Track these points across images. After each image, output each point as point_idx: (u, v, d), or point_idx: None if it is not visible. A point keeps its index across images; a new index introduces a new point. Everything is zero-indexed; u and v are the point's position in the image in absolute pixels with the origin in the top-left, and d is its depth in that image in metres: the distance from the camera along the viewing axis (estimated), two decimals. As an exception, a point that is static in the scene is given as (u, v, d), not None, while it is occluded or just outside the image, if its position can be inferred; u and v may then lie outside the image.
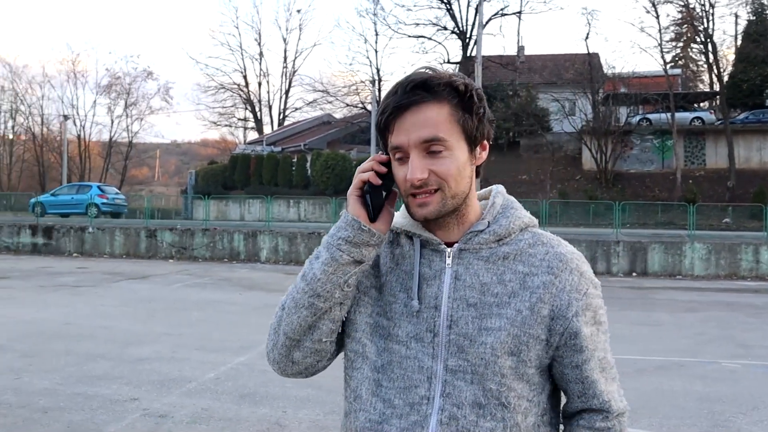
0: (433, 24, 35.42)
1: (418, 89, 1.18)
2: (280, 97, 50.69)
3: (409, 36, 35.75)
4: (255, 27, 59.66)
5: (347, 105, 38.41)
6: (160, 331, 8.79)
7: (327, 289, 1.22)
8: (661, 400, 5.96)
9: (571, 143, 33.95)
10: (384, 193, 1.24)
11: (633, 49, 66.29)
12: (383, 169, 1.23)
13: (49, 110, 51.26)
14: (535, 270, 1.23)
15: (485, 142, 1.27)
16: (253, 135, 49.86)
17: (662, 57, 33.25)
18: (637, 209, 26.74)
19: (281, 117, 50.39)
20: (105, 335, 8.57)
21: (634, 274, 18.08)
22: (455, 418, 1.19)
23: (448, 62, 34.74)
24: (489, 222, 1.26)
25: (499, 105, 32.22)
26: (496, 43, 44.83)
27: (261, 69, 53.00)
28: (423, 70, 1.21)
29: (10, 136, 53.95)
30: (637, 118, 33.53)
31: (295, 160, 34.06)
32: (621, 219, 21.21)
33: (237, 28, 59.00)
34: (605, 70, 34.33)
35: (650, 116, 33.48)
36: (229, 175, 35.51)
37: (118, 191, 31.95)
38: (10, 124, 53.23)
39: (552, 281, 1.22)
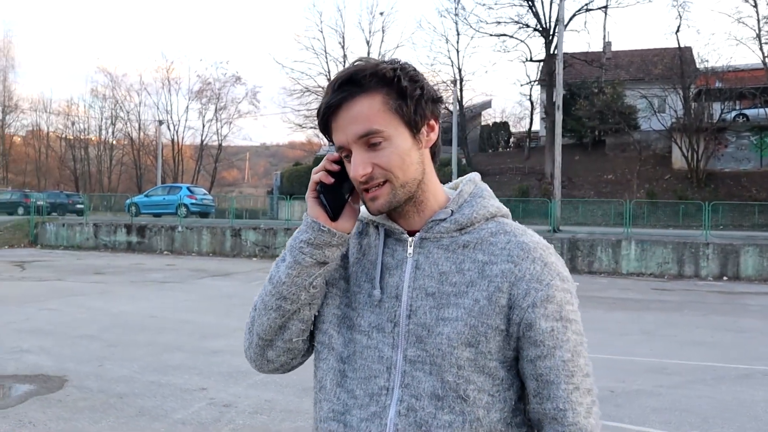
0: (515, 22, 34.76)
1: (345, 85, 1.17)
2: (362, 99, 51.15)
3: (491, 35, 35.27)
4: (339, 31, 60.24)
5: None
6: (235, 326, 9.10)
7: (292, 292, 1.23)
8: (739, 410, 5.67)
9: (660, 141, 32.56)
10: (344, 192, 1.23)
11: (728, 42, 62.62)
12: (335, 167, 1.22)
13: (146, 116, 54.06)
14: (495, 258, 1.20)
15: (431, 122, 1.23)
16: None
17: (761, 49, 31.22)
18: (731, 210, 25.36)
19: (363, 119, 50.86)
20: (184, 328, 8.99)
21: (724, 278, 17.15)
22: (413, 409, 1.17)
23: (531, 60, 34.14)
24: (453, 211, 1.24)
25: (584, 103, 31.30)
26: (581, 39, 43.51)
27: (345, 72, 53.56)
28: (352, 64, 1.20)
29: (112, 141, 57.24)
30: (733, 114, 31.73)
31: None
32: (713, 220, 20.17)
33: (321, 32, 59.71)
34: (698, 65, 32.70)
35: (747, 112, 31.62)
36: (313, 176, 36.18)
37: (207, 192, 33.22)
38: (110, 129, 56.50)
39: (511, 270, 1.18)
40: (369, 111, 1.16)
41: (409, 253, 1.23)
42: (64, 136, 57.40)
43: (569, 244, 18.63)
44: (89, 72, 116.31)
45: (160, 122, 45.67)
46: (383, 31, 49.65)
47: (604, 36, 39.89)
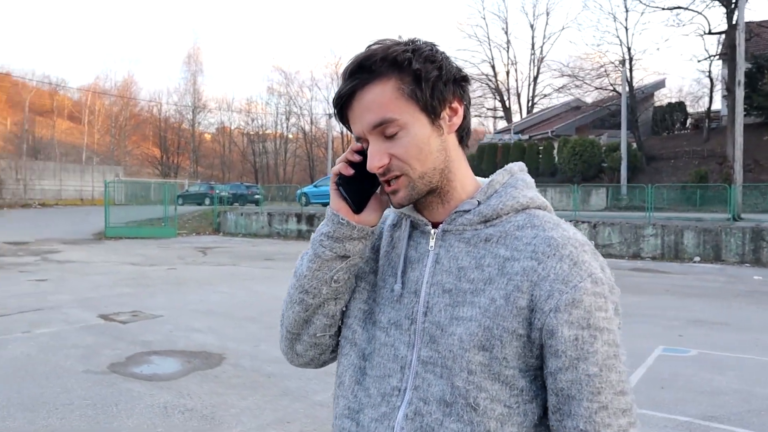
0: (692, -8, 31.95)
1: (356, 72, 1.09)
2: (529, 85, 50.12)
3: (663, 8, 32.64)
4: (502, 16, 59.65)
5: (596, 88, 36.49)
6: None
7: (314, 285, 1.18)
8: None
9: None
10: (369, 183, 1.16)
11: None
12: (356, 158, 1.15)
13: (317, 110, 56.96)
14: (518, 254, 1.07)
15: (454, 104, 1.13)
16: (502, 124, 49.92)
17: None
18: None
19: (530, 104, 49.77)
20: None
21: None
22: (420, 414, 1.08)
23: (709, 33, 31.14)
24: (479, 201, 1.14)
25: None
26: (769, 5, 38.20)
27: (509, 58, 52.94)
28: (365, 49, 1.11)
29: (287, 135, 61.01)
30: None
31: (541, 147, 33.38)
32: None
33: (484, 18, 59.70)
34: None
35: None
36: (477, 164, 35.98)
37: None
38: (285, 124, 60.25)
39: (534, 268, 1.05)
40: (382, 98, 1.08)
41: (431, 247, 1.15)
42: (245, 131, 62.14)
43: (752, 234, 16.80)
44: (266, 71, 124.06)
45: (330, 116, 47.69)
46: (547, 14, 48.35)
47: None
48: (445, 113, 1.13)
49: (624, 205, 26.17)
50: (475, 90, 50.33)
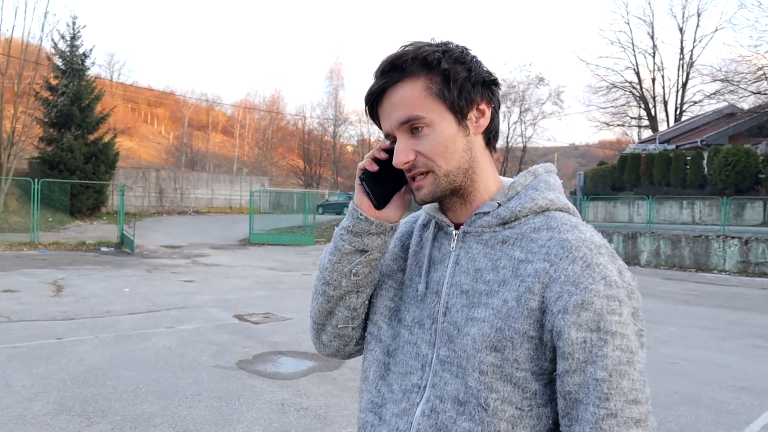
0: None
1: (388, 71, 1.13)
2: (677, 91, 47.07)
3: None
4: (647, 20, 56.69)
5: (754, 93, 33.62)
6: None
7: (334, 278, 1.22)
8: None
9: None
10: (394, 181, 1.19)
11: None
12: (383, 156, 1.18)
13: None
14: (532, 257, 1.08)
15: (482, 106, 1.15)
16: (647, 133, 47.39)
17: None
18: None
19: (678, 112, 46.82)
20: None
21: None
22: (436, 411, 1.11)
23: None
24: (499, 203, 1.15)
25: None
26: None
27: (655, 64, 50.11)
28: (398, 49, 1.15)
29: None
30: None
31: (689, 157, 31.28)
32: None
33: (627, 23, 56.83)
34: None
35: None
36: (618, 175, 34.42)
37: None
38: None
39: (546, 270, 1.05)
40: (411, 96, 1.12)
41: (452, 248, 1.18)
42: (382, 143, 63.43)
43: None
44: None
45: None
46: (698, 15, 45.02)
47: None
48: (472, 114, 1.15)
49: (784, 220, 23.95)
50: (619, 98, 48.23)
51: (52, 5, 54.99)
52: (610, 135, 67.26)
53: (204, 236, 25.94)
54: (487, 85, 1.16)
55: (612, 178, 34.88)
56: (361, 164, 1.20)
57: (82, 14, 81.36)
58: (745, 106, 36.17)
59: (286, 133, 69.46)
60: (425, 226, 1.28)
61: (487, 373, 1.06)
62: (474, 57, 1.16)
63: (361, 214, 1.19)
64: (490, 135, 1.19)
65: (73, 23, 29.69)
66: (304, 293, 11.94)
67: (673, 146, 35.08)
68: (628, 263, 20.19)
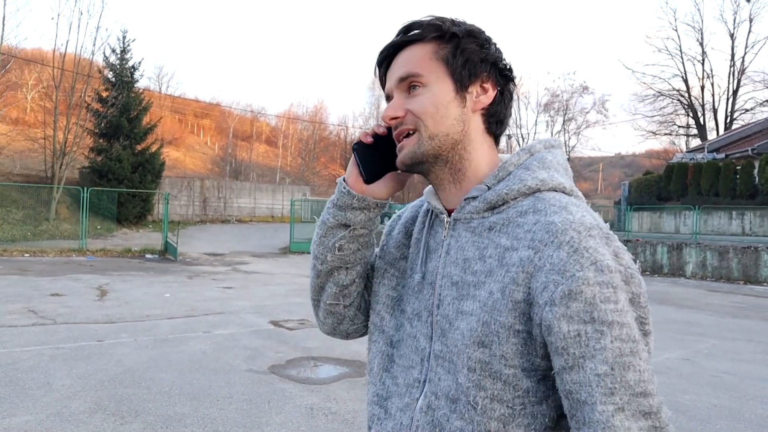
0: None
1: (402, 34, 1.13)
2: (727, 99, 45.88)
3: None
4: (696, 26, 55.39)
5: (808, 100, 32.60)
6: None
7: (320, 252, 1.21)
8: None
9: None
10: (388, 157, 1.15)
11: None
12: (381, 130, 1.14)
13: (500, 131, 56.69)
14: (517, 244, 1.01)
15: (486, 85, 1.12)
16: (695, 142, 46.27)
17: None
18: None
19: (728, 121, 45.61)
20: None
21: None
22: (432, 408, 1.06)
23: None
24: (488, 186, 1.09)
25: None
26: None
27: (704, 71, 48.93)
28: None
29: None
30: None
31: (739, 167, 30.41)
32: None
33: (675, 30, 55.60)
34: None
35: None
36: (664, 185, 33.68)
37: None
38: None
39: (531, 258, 0.97)
40: (417, 57, 1.10)
41: (444, 236, 1.12)
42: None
43: None
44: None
45: (509, 136, 47.32)
46: (750, 21, 43.77)
47: None
48: (474, 89, 1.12)
49: (840, 232, 23.05)
50: (666, 106, 47.25)
51: (104, 20, 57.42)
52: (657, 144, 65.93)
53: (245, 244, 26.30)
54: (498, 69, 1.13)
55: (658, 188, 34.15)
56: (358, 136, 1.17)
57: (132, 28, 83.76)
58: (799, 113, 35.02)
59: (329, 144, 70.07)
60: (428, 212, 1.22)
61: (476, 370, 1.00)
62: (492, 41, 1.14)
63: (344, 188, 1.16)
64: (491, 119, 1.14)
65: (124, 37, 30.63)
66: (341, 301, 11.99)
67: (722, 155, 34.15)
68: (672, 275, 19.71)
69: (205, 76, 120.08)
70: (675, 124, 48.51)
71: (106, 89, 29.60)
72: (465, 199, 1.10)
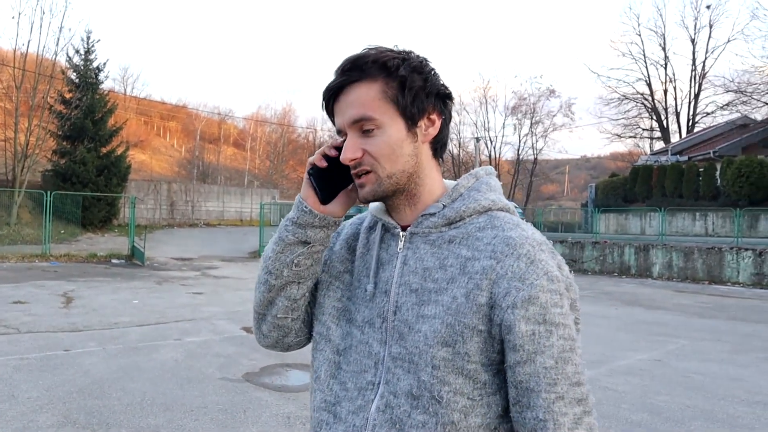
0: None
1: (348, 70, 1.17)
2: (689, 103, 46.85)
3: None
4: (658, 32, 56.47)
5: (766, 104, 33.41)
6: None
7: (276, 267, 1.25)
8: None
9: None
10: (342, 178, 1.23)
11: None
12: (332, 153, 1.21)
13: (465, 134, 56.98)
14: (478, 254, 1.14)
15: (432, 116, 1.20)
16: (659, 145, 47.15)
17: None
18: None
19: (690, 124, 46.58)
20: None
21: None
22: (390, 406, 1.14)
23: None
24: (444, 205, 1.20)
25: None
26: None
27: (667, 75, 49.94)
28: (361, 50, 1.19)
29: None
30: None
31: (702, 169, 31.08)
32: None
33: (639, 35, 56.64)
34: None
35: None
36: (630, 187, 34.24)
37: (516, 206, 33.73)
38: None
39: (493, 267, 1.11)
40: (366, 97, 1.16)
41: (400, 248, 1.22)
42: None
43: None
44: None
45: (477, 139, 47.60)
46: (710, 26, 44.77)
47: None
48: (423, 122, 1.20)
49: (799, 232, 23.67)
50: (630, 110, 48.04)
51: (68, 20, 55.99)
52: (622, 147, 67.11)
53: (214, 248, 25.97)
54: (441, 97, 1.21)
55: (624, 190, 34.68)
56: (311, 159, 1.23)
57: (97, 29, 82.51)
58: (758, 116, 35.99)
59: (297, 146, 69.75)
60: (371, 228, 1.31)
61: (440, 367, 1.11)
62: (432, 69, 1.21)
63: (305, 207, 1.23)
64: (437, 145, 1.24)
65: (88, 38, 30.00)
66: (313, 305, 11.90)
67: (685, 158, 34.87)
68: (640, 275, 20.03)
69: (171, 77, 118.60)
70: (639, 127, 49.41)
71: (70, 90, 29.00)
72: (422, 215, 1.21)
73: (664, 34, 48.71)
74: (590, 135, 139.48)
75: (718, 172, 29.70)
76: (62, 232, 25.03)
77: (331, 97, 1.20)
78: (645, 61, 47.10)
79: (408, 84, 1.16)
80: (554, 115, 49.74)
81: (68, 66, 29.78)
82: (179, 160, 62.33)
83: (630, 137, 50.62)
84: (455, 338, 1.11)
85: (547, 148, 49.94)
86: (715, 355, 8.43)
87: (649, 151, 47.18)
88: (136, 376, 6.46)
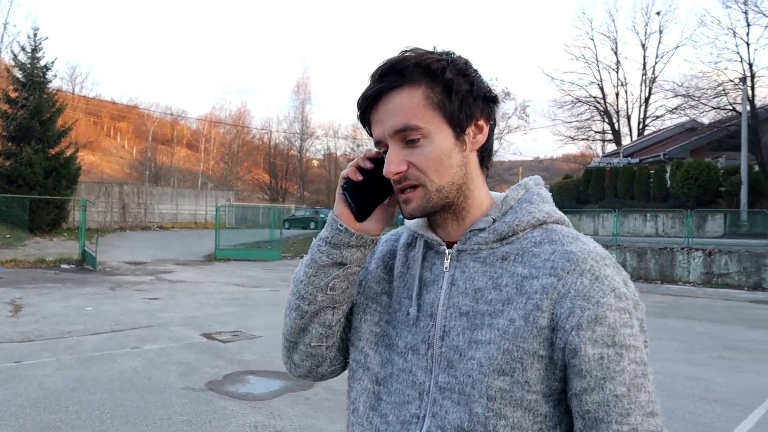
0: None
1: (387, 75, 1.06)
2: (640, 106, 48.13)
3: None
4: (610, 36, 57.87)
5: (714, 108, 34.46)
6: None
7: (309, 292, 1.14)
8: None
9: None
10: (378, 192, 1.13)
11: None
12: (368, 165, 1.12)
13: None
14: (536, 272, 1.03)
15: (480, 122, 1.10)
16: (611, 147, 48.23)
17: None
18: None
19: (641, 127, 47.82)
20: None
21: None
22: None
23: None
24: (494, 219, 1.10)
25: None
26: None
27: (618, 79, 51.04)
28: (399, 53, 1.08)
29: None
30: None
31: (653, 171, 31.90)
32: None
33: (592, 39, 57.94)
34: None
35: None
36: (583, 189, 34.93)
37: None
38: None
39: (554, 285, 1.00)
40: (409, 104, 1.05)
41: (446, 267, 1.11)
42: (351, 157, 63.43)
43: None
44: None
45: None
46: (660, 32, 46.08)
47: None
48: (471, 129, 1.10)
49: (744, 232, 24.47)
50: (583, 113, 48.98)
51: (13, 16, 54.17)
52: (575, 149, 68.23)
53: (168, 252, 25.41)
54: (488, 100, 1.12)
55: (577, 192, 35.34)
56: (344, 173, 1.13)
57: (45, 26, 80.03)
58: (706, 120, 37.12)
59: (252, 148, 69.00)
60: (410, 245, 1.21)
61: (496, 398, 1.00)
62: (476, 70, 1.11)
63: (341, 225, 1.12)
64: (485, 153, 1.15)
65: (35, 35, 29.01)
66: (273, 309, 11.72)
67: (636, 160, 35.75)
68: (595, 276, 20.41)
69: (122, 77, 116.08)
70: (592, 130, 50.41)
71: (16, 90, 28.00)
72: (470, 231, 1.11)
73: (616, 39, 49.85)
74: (544, 137, 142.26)
75: (668, 174, 30.53)
76: (8, 236, 24.13)
77: (369, 106, 1.09)
78: (597, 65, 48.17)
79: (455, 88, 1.06)
80: (509, 117, 50.32)
81: (14, 64, 28.76)
82: (131, 161, 60.99)
83: (583, 139, 51.65)
84: (513, 366, 1.00)
85: (502, 150, 50.15)
86: (672, 355, 8.60)
87: (601, 154, 48.21)
88: (93, 387, 6.23)
